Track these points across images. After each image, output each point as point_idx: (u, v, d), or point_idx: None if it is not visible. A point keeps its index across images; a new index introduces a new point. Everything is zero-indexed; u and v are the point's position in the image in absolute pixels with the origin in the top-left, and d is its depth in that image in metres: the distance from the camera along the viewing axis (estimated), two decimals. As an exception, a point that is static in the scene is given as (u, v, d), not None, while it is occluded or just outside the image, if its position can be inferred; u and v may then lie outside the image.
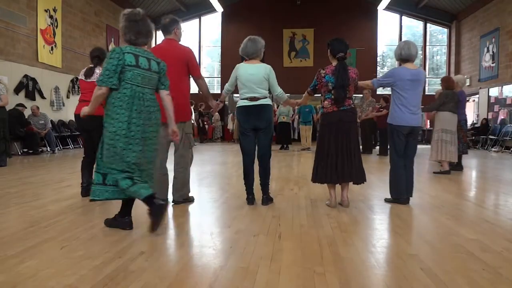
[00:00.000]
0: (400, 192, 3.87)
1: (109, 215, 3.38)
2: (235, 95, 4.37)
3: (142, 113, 2.72)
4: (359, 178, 3.68)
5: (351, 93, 3.69)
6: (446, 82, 6.40)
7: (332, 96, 3.66)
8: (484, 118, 13.73)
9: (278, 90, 3.81)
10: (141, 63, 2.73)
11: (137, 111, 2.70)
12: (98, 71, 4.03)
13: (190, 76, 3.82)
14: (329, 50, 3.75)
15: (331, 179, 3.66)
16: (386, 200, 4.00)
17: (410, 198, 3.93)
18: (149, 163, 2.87)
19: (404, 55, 3.88)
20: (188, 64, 3.70)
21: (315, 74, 3.77)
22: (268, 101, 3.74)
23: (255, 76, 3.68)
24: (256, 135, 3.78)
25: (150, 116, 2.77)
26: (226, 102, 14.73)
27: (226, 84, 3.89)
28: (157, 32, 18.53)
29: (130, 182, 2.72)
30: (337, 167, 3.62)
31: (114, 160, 2.72)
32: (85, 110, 2.90)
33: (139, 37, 2.77)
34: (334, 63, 3.69)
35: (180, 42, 3.83)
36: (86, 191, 4.08)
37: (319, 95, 3.89)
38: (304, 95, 4.10)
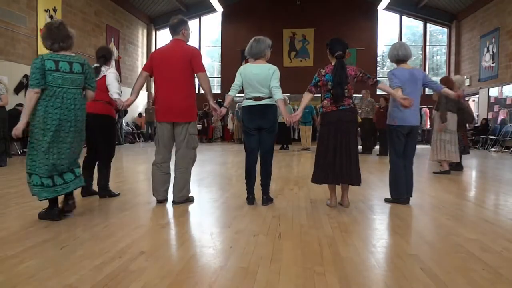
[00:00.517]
0: (400, 192, 3.88)
1: (109, 215, 3.39)
2: (237, 95, 4.34)
3: (60, 109, 3.06)
4: (355, 180, 3.66)
5: (350, 92, 3.68)
6: (445, 82, 6.39)
7: (331, 96, 3.66)
8: (484, 118, 13.73)
9: (276, 84, 3.64)
10: (61, 67, 3.07)
11: (53, 107, 3.04)
12: (104, 69, 4.02)
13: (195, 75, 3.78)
14: (328, 50, 3.76)
15: (329, 180, 3.66)
16: (386, 200, 4.01)
17: (410, 198, 3.93)
18: (67, 157, 3.14)
19: (401, 55, 3.89)
20: (191, 61, 3.68)
21: (315, 73, 3.76)
22: (272, 101, 3.72)
23: (259, 76, 3.67)
24: (260, 134, 3.78)
25: (70, 112, 3.10)
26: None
27: (233, 83, 3.80)
28: (157, 32, 18.57)
29: (51, 182, 3.10)
30: (335, 167, 3.61)
31: (36, 157, 3.06)
32: (22, 121, 3.05)
33: (54, 42, 3.09)
34: (333, 62, 3.69)
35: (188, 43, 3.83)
36: (87, 190, 4.09)
37: (319, 95, 3.88)
38: (304, 96, 3.83)
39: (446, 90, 4.13)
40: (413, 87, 3.86)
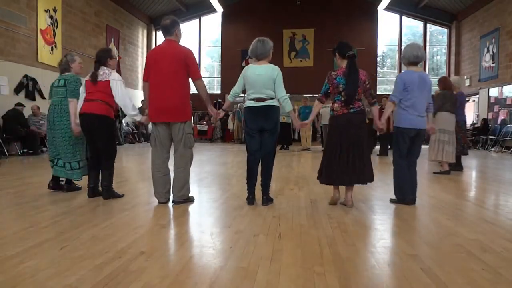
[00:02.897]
0: (405, 192, 3.88)
1: (109, 215, 3.39)
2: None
3: (49, 115, 4.43)
4: (368, 177, 3.69)
5: (360, 95, 3.71)
6: (443, 82, 6.41)
7: (342, 98, 3.66)
8: (483, 119, 13.72)
9: (283, 94, 3.71)
10: (55, 84, 4.43)
11: (48, 111, 4.49)
12: (103, 72, 4.00)
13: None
14: (337, 54, 3.75)
15: (336, 181, 3.68)
16: (392, 201, 3.99)
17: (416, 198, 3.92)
18: (62, 153, 4.33)
19: (420, 56, 3.89)
20: (188, 65, 3.69)
21: (325, 78, 3.77)
22: (275, 102, 3.73)
23: (262, 77, 3.67)
24: (262, 135, 3.78)
25: (54, 119, 4.34)
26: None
27: (234, 87, 3.82)
28: (157, 32, 18.57)
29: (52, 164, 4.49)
30: (346, 169, 3.62)
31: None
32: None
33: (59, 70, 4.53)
34: (344, 64, 3.69)
35: (179, 43, 3.83)
36: (93, 191, 4.08)
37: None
38: (314, 105, 4.00)
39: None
40: (421, 91, 3.84)
